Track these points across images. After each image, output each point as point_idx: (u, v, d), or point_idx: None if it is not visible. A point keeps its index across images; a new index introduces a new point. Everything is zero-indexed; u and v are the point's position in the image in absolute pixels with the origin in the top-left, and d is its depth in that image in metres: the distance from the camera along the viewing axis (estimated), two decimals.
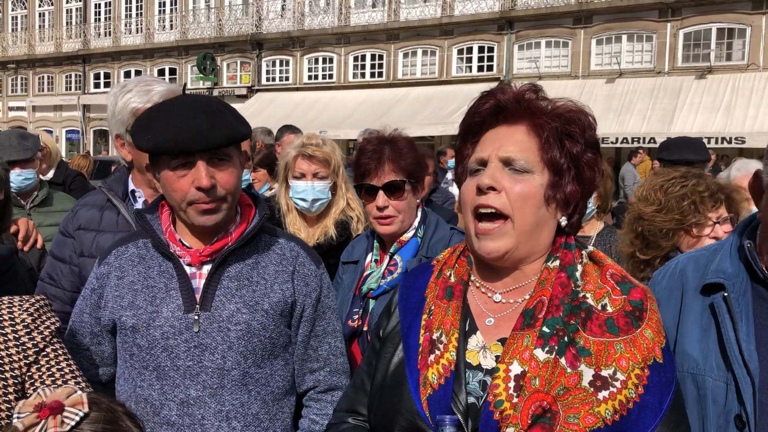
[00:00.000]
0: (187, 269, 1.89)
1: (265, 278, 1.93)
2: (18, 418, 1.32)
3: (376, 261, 2.68)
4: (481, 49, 24.03)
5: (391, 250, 2.63)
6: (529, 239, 1.49)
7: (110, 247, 2.03)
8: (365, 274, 2.66)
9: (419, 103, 23.15)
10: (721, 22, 20.53)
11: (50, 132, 23.94)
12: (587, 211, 3.67)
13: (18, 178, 4.19)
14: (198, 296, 1.87)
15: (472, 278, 1.59)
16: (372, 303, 2.56)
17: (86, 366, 1.95)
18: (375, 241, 2.72)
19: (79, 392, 1.38)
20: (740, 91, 19.66)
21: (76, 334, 1.99)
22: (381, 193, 2.54)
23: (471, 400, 1.42)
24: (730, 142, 18.37)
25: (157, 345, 1.84)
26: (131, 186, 2.47)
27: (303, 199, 3.10)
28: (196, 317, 1.84)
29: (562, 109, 1.52)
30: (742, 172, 3.53)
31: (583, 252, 1.54)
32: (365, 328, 2.51)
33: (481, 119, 1.56)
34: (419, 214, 2.67)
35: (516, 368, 1.39)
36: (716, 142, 17.96)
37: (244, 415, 1.86)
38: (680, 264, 1.77)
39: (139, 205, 2.44)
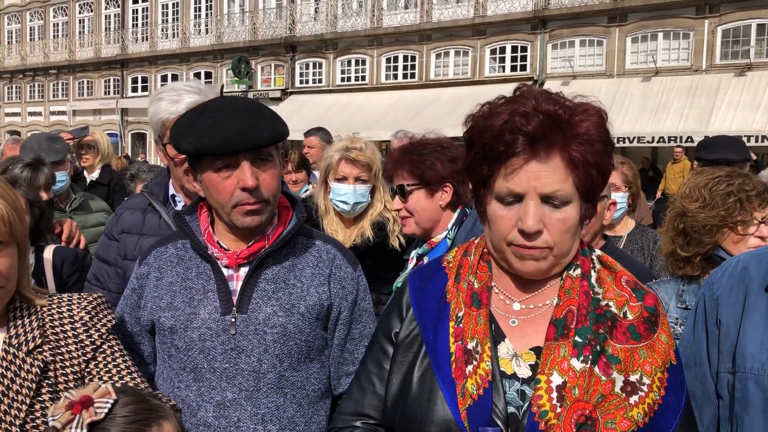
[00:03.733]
0: (225, 271, 1.90)
1: (302, 281, 1.93)
2: (53, 419, 1.37)
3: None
4: (514, 49, 23.84)
5: (420, 252, 2.71)
6: (566, 257, 1.51)
7: (150, 248, 2.04)
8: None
9: (452, 104, 23.03)
10: (762, 17, 20.04)
11: None
12: (619, 209, 3.60)
13: None
14: (235, 299, 1.87)
15: (493, 283, 1.58)
16: None
17: None
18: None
19: (104, 384, 1.42)
20: None
21: (117, 334, 2.01)
22: (396, 196, 2.75)
23: (510, 410, 1.43)
24: None
25: (195, 346, 1.86)
26: (171, 190, 2.49)
27: (344, 202, 3.15)
28: (233, 319, 1.85)
29: (582, 127, 1.43)
30: None
31: (593, 257, 1.56)
32: None
33: (511, 151, 1.43)
34: (455, 216, 2.69)
35: (557, 379, 1.41)
36: (756, 141, 17.56)
37: (280, 419, 1.87)
38: (741, 262, 1.75)
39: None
